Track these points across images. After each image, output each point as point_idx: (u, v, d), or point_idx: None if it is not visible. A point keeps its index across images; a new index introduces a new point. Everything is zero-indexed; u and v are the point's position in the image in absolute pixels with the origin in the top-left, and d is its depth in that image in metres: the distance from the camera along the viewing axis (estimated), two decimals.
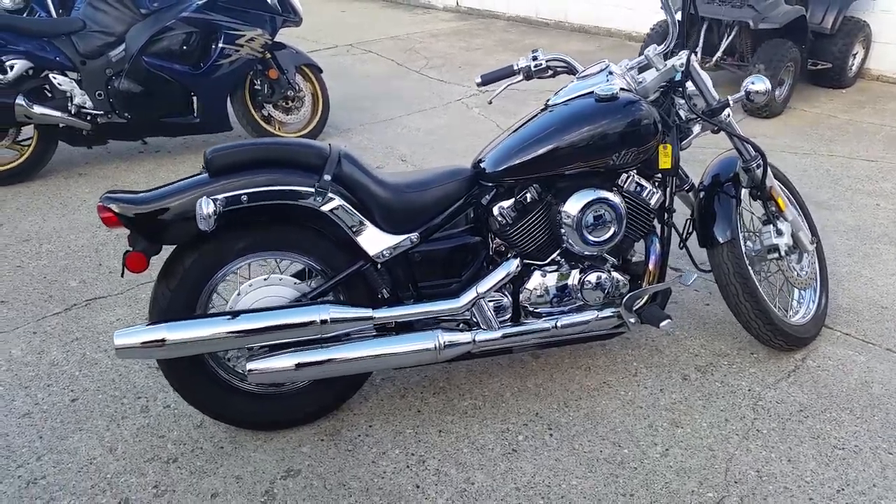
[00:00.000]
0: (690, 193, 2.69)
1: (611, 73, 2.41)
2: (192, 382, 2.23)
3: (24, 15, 5.04)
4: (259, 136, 4.64)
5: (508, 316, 2.36)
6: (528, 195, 2.34)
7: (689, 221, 2.65)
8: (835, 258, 3.38)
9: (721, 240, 2.48)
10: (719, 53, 5.31)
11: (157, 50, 4.21)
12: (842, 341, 2.78)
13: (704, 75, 2.50)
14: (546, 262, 2.39)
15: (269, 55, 4.51)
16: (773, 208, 2.60)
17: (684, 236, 2.64)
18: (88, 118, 4.23)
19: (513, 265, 2.29)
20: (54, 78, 4.14)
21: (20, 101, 4.01)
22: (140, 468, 2.24)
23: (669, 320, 2.35)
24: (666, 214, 2.46)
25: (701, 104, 2.49)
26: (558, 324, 2.33)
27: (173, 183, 2.11)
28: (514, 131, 2.38)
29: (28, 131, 4.28)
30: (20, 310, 3.09)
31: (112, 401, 2.53)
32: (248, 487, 2.17)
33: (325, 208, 2.12)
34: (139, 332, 2.04)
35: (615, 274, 2.39)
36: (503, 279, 2.27)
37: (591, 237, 2.30)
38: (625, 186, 2.38)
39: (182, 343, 2.04)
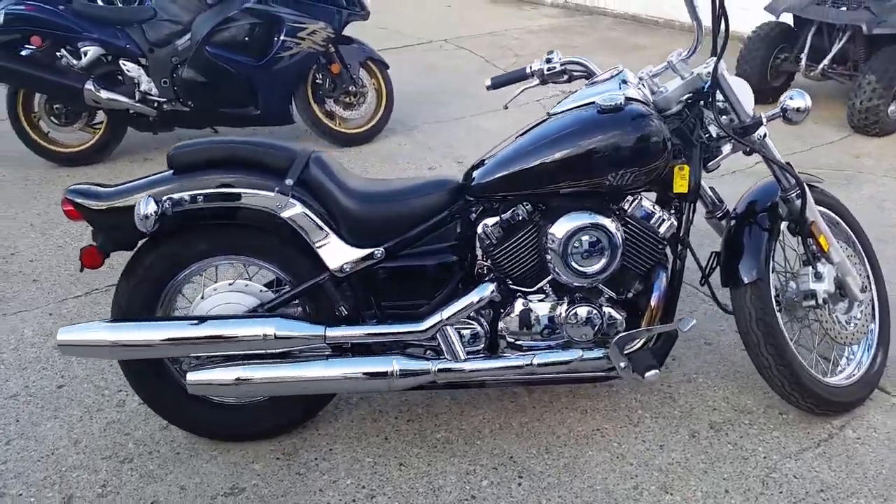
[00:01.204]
0: (724, 221, 2.35)
1: (624, 80, 2.13)
2: (150, 384, 2.18)
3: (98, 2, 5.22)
4: (319, 130, 4.60)
5: (482, 346, 2.14)
6: (517, 214, 2.11)
7: (713, 255, 2.31)
8: None
9: (746, 279, 2.14)
10: (826, 61, 4.75)
11: (219, 40, 4.24)
12: None
13: (740, 85, 2.16)
14: (533, 289, 2.15)
15: (332, 49, 4.45)
16: (814, 247, 2.22)
17: (707, 271, 2.30)
18: (154, 105, 4.34)
19: (487, 290, 2.06)
20: (124, 65, 4.27)
21: (89, 85, 4.16)
22: (95, 465, 2.21)
23: (657, 371, 2.05)
24: (679, 245, 2.15)
25: (732, 120, 2.15)
26: (535, 361, 2.08)
27: (139, 179, 2.05)
28: (510, 142, 2.16)
29: (101, 115, 4.44)
30: (47, 290, 3.19)
31: (94, 391, 2.53)
32: (190, 500, 2.08)
33: (285, 214, 2.00)
34: (82, 329, 2.00)
35: (609, 310, 2.11)
36: (474, 304, 2.05)
37: (578, 266, 2.03)
38: (629, 211, 2.10)
39: (121, 346, 1.97)
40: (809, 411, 2.26)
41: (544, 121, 2.18)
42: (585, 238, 2.02)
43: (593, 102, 2.05)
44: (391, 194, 2.12)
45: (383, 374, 2.01)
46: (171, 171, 2.03)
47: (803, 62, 4.82)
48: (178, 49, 4.29)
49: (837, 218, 2.40)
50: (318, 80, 4.52)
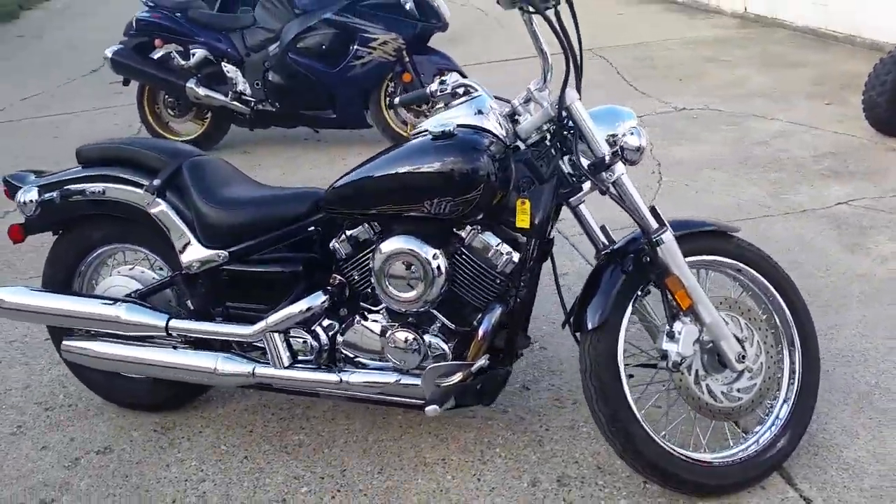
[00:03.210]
0: None
1: (480, 106, 2.05)
2: None
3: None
4: (389, 136, 4.78)
5: (322, 358, 2.17)
6: (363, 232, 2.13)
7: (578, 297, 2.13)
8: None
9: (589, 325, 1.96)
10: None
11: (301, 47, 4.61)
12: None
13: (611, 117, 2.00)
14: (377, 308, 2.16)
15: (406, 59, 4.61)
16: (674, 303, 1.96)
17: (570, 315, 2.13)
18: (248, 104, 4.82)
19: (317, 301, 2.11)
20: (225, 66, 4.80)
21: (190, 83, 4.74)
22: (26, 408, 2.60)
23: (436, 407, 1.96)
24: (521, 283, 2.02)
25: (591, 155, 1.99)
26: (346, 379, 2.09)
27: (57, 172, 2.39)
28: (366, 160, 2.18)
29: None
30: None
31: None
32: (70, 451, 2.38)
33: (151, 211, 2.21)
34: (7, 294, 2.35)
35: (433, 339, 2.05)
36: (300, 314, 2.10)
37: (391, 290, 2.01)
38: (466, 241, 2.02)
39: (17, 307, 2.30)
40: (661, 485, 2.00)
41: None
42: (399, 264, 1.99)
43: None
44: (253, 201, 2.23)
45: (207, 370, 2.15)
46: (81, 166, 2.34)
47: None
48: (270, 54, 4.72)
49: (755, 273, 2.09)
50: (390, 88, 4.71)
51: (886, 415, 2.29)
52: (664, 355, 1.95)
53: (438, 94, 2.27)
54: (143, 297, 2.31)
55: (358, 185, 2.05)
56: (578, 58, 2.00)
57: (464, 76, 4.62)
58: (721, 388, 2.00)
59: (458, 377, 2.01)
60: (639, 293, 2.01)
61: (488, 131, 2.00)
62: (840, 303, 2.88)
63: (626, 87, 5.99)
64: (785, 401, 2.09)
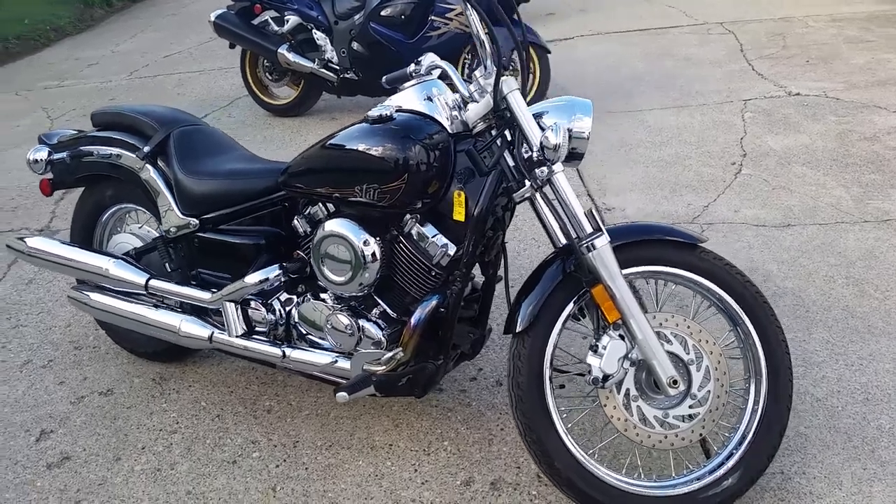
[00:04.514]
0: None
1: (429, 91, 1.99)
2: None
3: None
4: None
5: (279, 332, 2.24)
6: (318, 211, 2.15)
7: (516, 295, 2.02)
8: None
9: (517, 326, 1.87)
10: None
11: (382, 16, 4.63)
12: None
13: (562, 111, 1.87)
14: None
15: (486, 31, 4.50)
16: (600, 315, 1.81)
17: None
18: (334, 71, 4.94)
19: (271, 274, 2.16)
20: (315, 33, 4.93)
21: (282, 49, 4.92)
22: (58, 342, 2.90)
23: (345, 394, 1.95)
24: (458, 277, 1.96)
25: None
26: (289, 354, 2.14)
27: (78, 133, 2.59)
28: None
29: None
30: None
31: None
32: (80, 387, 2.63)
33: (142, 175, 2.36)
34: (25, 238, 2.61)
35: (368, 325, 2.04)
36: (253, 285, 2.16)
37: (326, 271, 2.02)
38: (405, 230, 1.99)
39: (34, 254, 2.53)
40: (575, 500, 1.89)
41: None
42: (334, 246, 1.99)
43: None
44: (227, 173, 2.30)
45: (171, 329, 2.29)
46: (95, 129, 2.53)
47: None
48: (355, 23, 4.79)
49: (720, 290, 1.88)
50: (467, 61, 4.63)
51: (884, 468, 2.01)
52: (589, 370, 1.82)
53: (414, 74, 2.22)
54: (138, 256, 2.47)
55: (305, 165, 2.06)
56: (521, 49, 1.89)
57: (546, 50, 4.52)
58: (655, 413, 1.83)
59: (383, 366, 2.00)
60: (580, 297, 1.88)
61: (430, 117, 1.93)
62: (886, 331, 2.53)
63: (743, 66, 5.51)
64: (743, 436, 1.89)
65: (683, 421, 1.85)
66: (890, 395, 2.25)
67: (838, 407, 2.23)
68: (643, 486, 1.87)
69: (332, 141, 2.01)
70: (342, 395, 2.00)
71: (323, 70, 4.93)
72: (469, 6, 1.86)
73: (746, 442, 1.87)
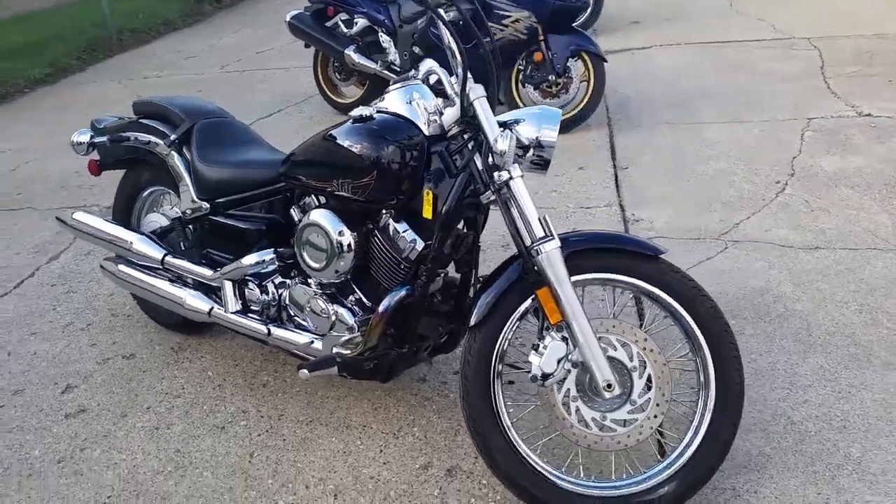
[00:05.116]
0: None
1: (410, 95, 2.10)
2: None
3: None
4: None
5: (271, 312, 2.41)
6: (311, 201, 2.31)
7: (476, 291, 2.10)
8: None
9: (471, 321, 1.96)
10: None
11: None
12: None
13: (509, 119, 1.97)
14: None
15: (540, 38, 4.57)
16: (543, 316, 1.86)
17: None
18: (397, 74, 5.12)
19: (265, 257, 2.32)
20: (381, 36, 5.13)
21: (348, 50, 5.16)
22: (98, 310, 3.19)
23: (305, 371, 2.07)
24: (425, 272, 2.06)
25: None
26: (273, 332, 2.30)
27: (121, 119, 2.86)
28: None
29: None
30: None
31: None
32: (108, 350, 2.91)
33: (169, 161, 2.60)
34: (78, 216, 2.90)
35: (343, 311, 2.17)
36: (248, 266, 2.33)
37: (306, 257, 2.17)
38: (380, 224, 2.11)
39: (77, 227, 2.81)
40: (517, 497, 1.95)
41: None
42: (314, 235, 2.14)
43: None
44: (238, 163, 2.48)
45: (178, 300, 2.50)
46: (137, 117, 2.79)
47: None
48: (418, 27, 4.95)
49: (673, 302, 1.90)
50: (520, 67, 4.70)
51: (840, 495, 1.96)
52: (531, 367, 1.88)
53: (411, 77, 2.34)
54: (163, 235, 2.71)
55: (298, 157, 2.21)
56: (490, 55, 1.97)
57: (602, 59, 4.53)
58: (593, 415, 1.87)
59: (350, 349, 2.13)
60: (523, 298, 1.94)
61: (408, 120, 2.04)
62: (887, 361, 2.44)
63: (818, 84, 5.30)
64: (686, 447, 1.89)
65: (622, 425, 1.88)
66: (869, 425, 2.18)
67: (811, 431, 2.17)
68: (581, 485, 1.91)
69: (322, 135, 2.15)
70: (303, 371, 2.15)
71: (385, 71, 5.13)
72: (437, 18, 1.95)
73: (689, 453, 1.88)
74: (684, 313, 1.89)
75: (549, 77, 4.64)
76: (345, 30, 5.23)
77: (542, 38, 4.57)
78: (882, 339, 2.55)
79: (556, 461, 2.06)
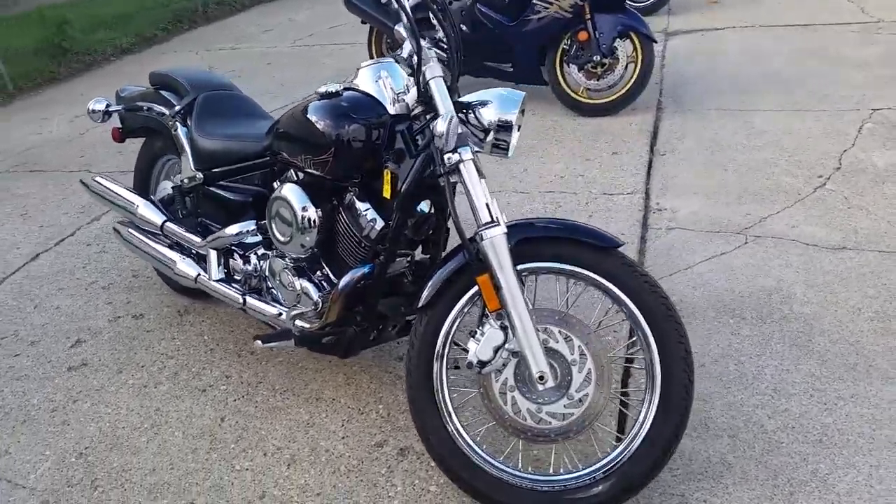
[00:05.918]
0: None
1: (380, 73, 2.10)
2: None
3: None
4: (557, 94, 4.68)
5: (253, 282, 2.48)
6: (291, 175, 2.34)
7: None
8: None
9: (419, 302, 1.95)
10: None
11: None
12: None
13: (475, 100, 1.93)
14: None
15: (587, 17, 4.44)
16: (482, 304, 1.82)
17: None
18: (443, 50, 5.09)
19: (246, 228, 2.39)
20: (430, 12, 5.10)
21: (397, 27, 5.13)
22: (121, 271, 3.37)
23: (259, 342, 2.12)
24: (384, 249, 2.06)
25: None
26: (248, 301, 2.36)
27: (138, 88, 2.99)
28: None
29: None
30: None
31: None
32: (122, 309, 3.07)
33: (174, 132, 2.69)
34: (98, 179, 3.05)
35: (309, 285, 2.21)
36: (230, 237, 2.40)
37: (275, 229, 2.22)
38: (344, 202, 2.13)
39: (98, 191, 2.97)
40: (450, 480, 1.94)
41: None
42: (281, 209, 2.17)
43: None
44: (231, 135, 2.54)
45: (170, 263, 2.60)
46: (153, 87, 2.90)
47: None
48: (467, 3, 4.90)
49: (625, 297, 1.83)
50: (565, 46, 4.58)
51: None
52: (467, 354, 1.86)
53: (400, 60, 2.33)
54: (169, 202, 2.82)
55: (279, 129, 2.24)
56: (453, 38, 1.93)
57: (652, 40, 4.36)
58: (528, 406, 1.84)
59: (309, 323, 2.17)
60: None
61: (373, 98, 2.03)
62: (887, 375, 2.27)
63: (884, 73, 4.91)
64: (627, 446, 1.83)
65: (557, 419, 1.83)
66: (848, 440, 2.04)
67: (783, 443, 2.06)
68: (513, 475, 1.88)
69: (296, 109, 2.17)
70: (258, 342, 2.20)
71: (434, 49, 5.09)
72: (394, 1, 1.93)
73: (628, 453, 1.82)
74: (633, 307, 1.82)
75: (594, 57, 4.49)
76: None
77: (588, 16, 4.43)
78: (889, 350, 2.37)
79: (496, 448, 2.03)
